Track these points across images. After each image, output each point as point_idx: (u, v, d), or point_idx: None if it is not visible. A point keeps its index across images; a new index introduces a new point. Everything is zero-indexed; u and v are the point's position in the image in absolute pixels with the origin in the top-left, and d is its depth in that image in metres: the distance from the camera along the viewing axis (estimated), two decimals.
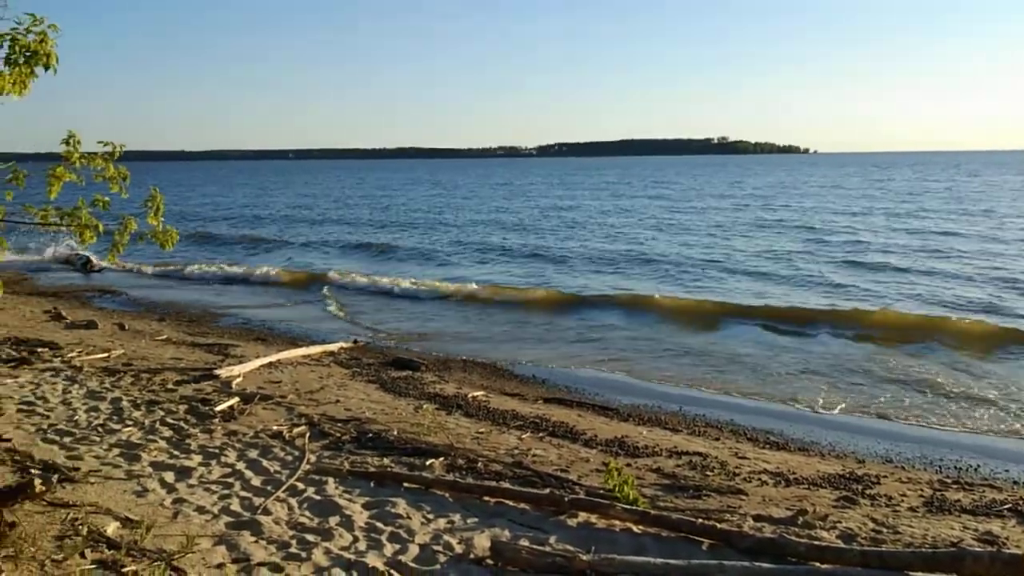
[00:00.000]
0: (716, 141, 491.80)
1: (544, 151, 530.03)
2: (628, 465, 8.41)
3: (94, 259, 27.31)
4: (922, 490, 8.28)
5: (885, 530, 6.89)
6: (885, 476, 8.75)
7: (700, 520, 6.65)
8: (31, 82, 6.01)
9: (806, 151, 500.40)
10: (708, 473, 8.44)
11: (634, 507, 6.88)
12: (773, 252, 30.57)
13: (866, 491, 8.09)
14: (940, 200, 59.13)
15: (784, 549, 6.12)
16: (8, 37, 5.85)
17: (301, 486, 7.51)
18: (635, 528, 6.65)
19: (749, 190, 77.69)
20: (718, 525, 6.54)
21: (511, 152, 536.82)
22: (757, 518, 7.03)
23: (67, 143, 6.17)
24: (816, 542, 6.25)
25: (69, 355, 12.70)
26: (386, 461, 8.29)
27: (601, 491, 7.38)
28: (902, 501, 7.84)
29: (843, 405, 12.13)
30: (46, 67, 5.96)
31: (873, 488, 8.21)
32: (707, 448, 9.48)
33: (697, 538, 6.42)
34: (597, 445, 9.30)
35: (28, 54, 5.84)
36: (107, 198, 6.07)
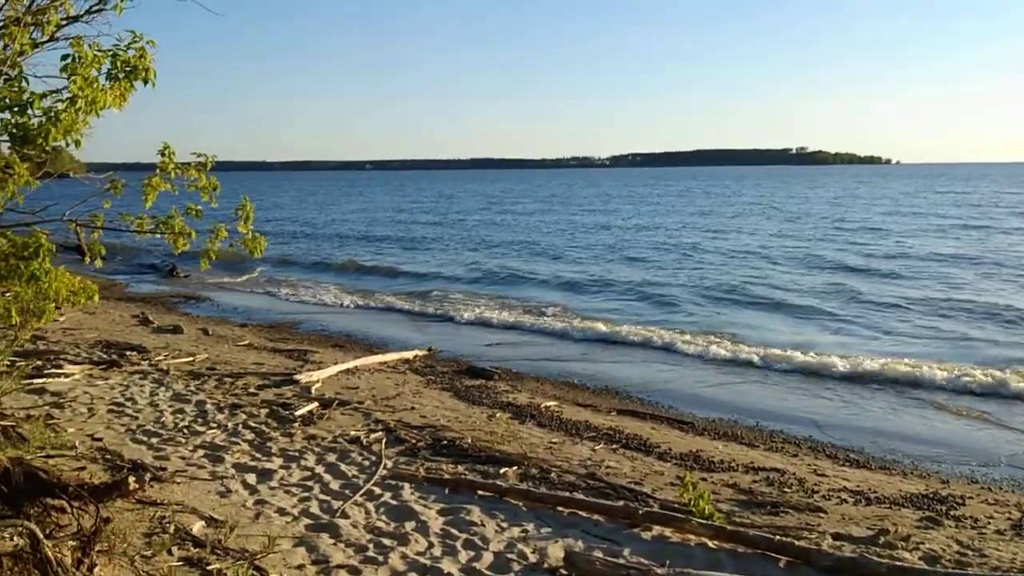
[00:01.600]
0: (794, 151, 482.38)
1: (617, 161, 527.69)
2: (703, 480, 8.33)
3: (178, 266, 28.26)
4: (1010, 512, 8.00)
5: (971, 553, 6.69)
6: (971, 497, 8.48)
7: (777, 537, 6.56)
8: (130, 95, 6.32)
9: (888, 162, 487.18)
10: (786, 490, 8.31)
11: (710, 522, 6.81)
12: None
13: (950, 512, 7.85)
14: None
15: (865, 569, 5.99)
16: (110, 53, 6.15)
17: (378, 491, 7.65)
18: (710, 543, 6.59)
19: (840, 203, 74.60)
20: (796, 542, 6.43)
21: (583, 162, 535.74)
22: (836, 536, 6.89)
23: (162, 154, 6.44)
24: (898, 563, 6.12)
25: (156, 358, 13.16)
26: (460, 468, 8.38)
27: (676, 505, 7.33)
28: (989, 523, 7.58)
29: (923, 424, 11.78)
30: (145, 81, 6.24)
31: (958, 509, 7.96)
32: (785, 464, 9.32)
33: (774, 555, 6.33)
34: (671, 458, 9.23)
35: (128, 69, 6.13)
36: (199, 207, 6.32)
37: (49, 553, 4.13)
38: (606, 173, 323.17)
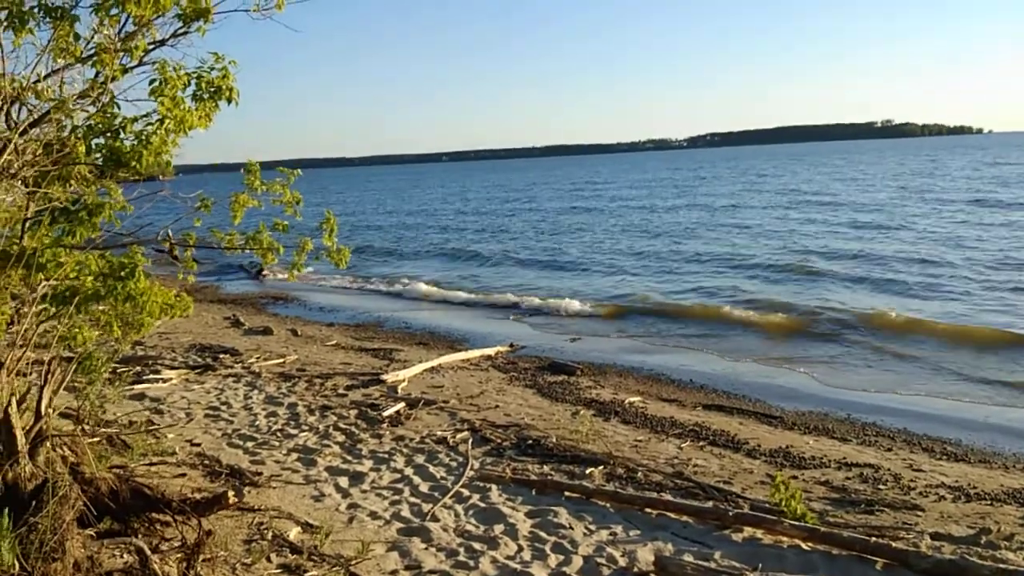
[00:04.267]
0: (880, 124, 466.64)
1: (694, 142, 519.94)
2: (794, 477, 8.18)
3: (266, 267, 29.04)
4: None
5: None
6: None
7: (873, 538, 6.39)
8: (215, 115, 6.51)
9: (979, 131, 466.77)
10: (880, 487, 8.09)
11: (802, 523, 6.69)
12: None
13: None
14: None
15: (966, 571, 5.79)
16: (195, 75, 6.34)
17: (466, 493, 7.74)
18: (804, 545, 6.48)
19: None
20: (893, 544, 6.27)
21: (660, 144, 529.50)
22: (935, 536, 6.69)
23: (248, 171, 6.63)
24: (1002, 564, 5.90)
25: (248, 361, 13.56)
26: (546, 468, 8.41)
27: (767, 504, 7.22)
28: None
29: None
30: (228, 100, 6.42)
31: None
32: (879, 460, 9.07)
33: (870, 557, 6.17)
34: (761, 455, 9.08)
35: (212, 90, 6.31)
36: (286, 222, 6.48)
37: (156, 568, 4.31)
38: (684, 154, 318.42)
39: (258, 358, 13.85)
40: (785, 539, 6.58)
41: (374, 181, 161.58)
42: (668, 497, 7.46)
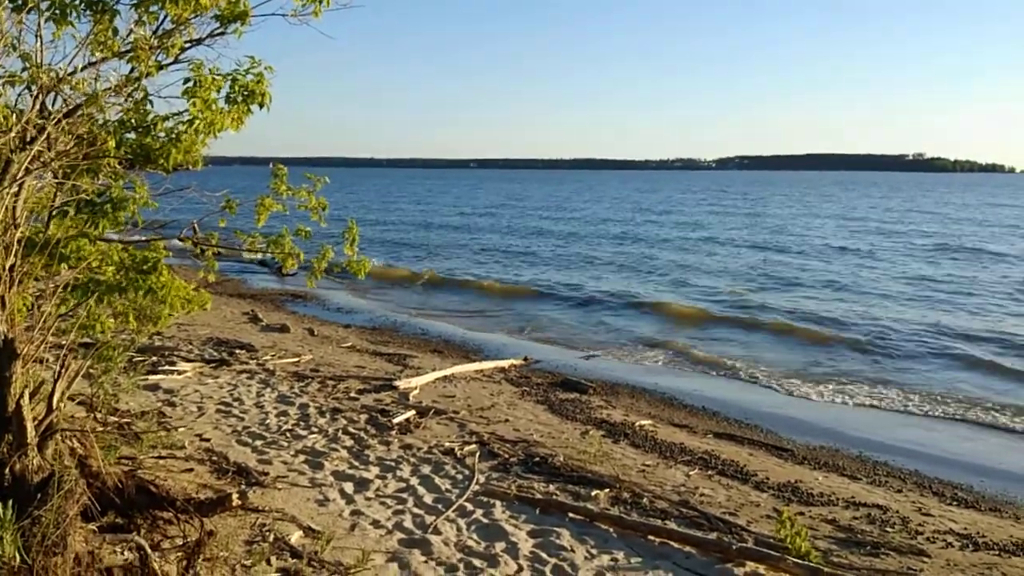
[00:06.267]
0: (911, 157, 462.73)
1: (723, 164, 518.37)
2: (801, 514, 8.11)
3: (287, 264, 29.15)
4: None
5: None
6: None
7: None
8: (247, 118, 6.56)
9: (1011, 170, 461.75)
10: (888, 529, 8.00)
11: (806, 561, 6.63)
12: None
13: None
14: None
15: None
16: (229, 77, 6.40)
17: (470, 507, 7.73)
18: None
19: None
20: None
21: (689, 164, 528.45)
22: None
23: (275, 176, 6.68)
24: None
25: (264, 358, 13.64)
26: (552, 488, 8.39)
27: (771, 540, 7.16)
28: None
29: None
30: (260, 105, 6.47)
31: None
32: (888, 500, 8.97)
33: None
34: (769, 488, 9.01)
35: (246, 93, 6.37)
36: (308, 228, 6.52)
37: (156, 566, 4.34)
38: (710, 175, 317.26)
39: (273, 356, 13.93)
40: None
41: (430, 183, 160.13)
42: (672, 526, 7.42)
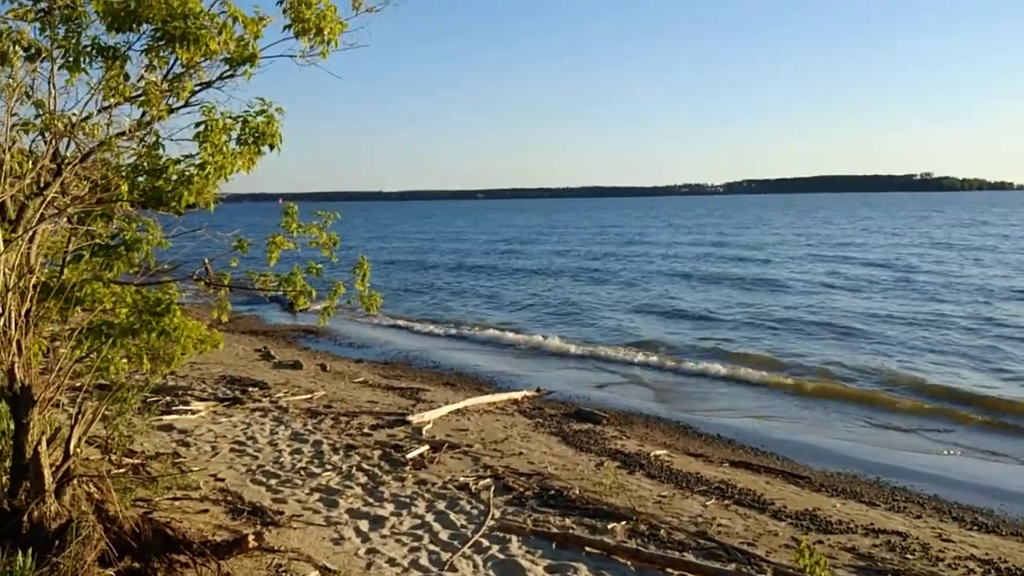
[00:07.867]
0: (919, 177, 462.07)
1: (731, 188, 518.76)
2: (819, 542, 8.02)
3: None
4: None
5: None
6: None
7: None
8: (258, 160, 6.63)
9: (1021, 187, 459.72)
10: (908, 556, 7.91)
11: None
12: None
13: None
14: None
15: None
16: (240, 119, 6.48)
17: (485, 543, 7.68)
18: None
19: None
20: None
21: (696, 189, 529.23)
22: None
23: (286, 213, 6.73)
24: None
25: (276, 395, 13.65)
26: (568, 521, 8.33)
27: (790, 570, 7.08)
28: None
29: None
30: (271, 147, 6.54)
31: None
32: (907, 527, 8.88)
33: None
34: (786, 517, 8.93)
35: (256, 135, 6.44)
36: (320, 265, 6.57)
37: None
38: (719, 200, 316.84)
39: (286, 392, 13.94)
40: None
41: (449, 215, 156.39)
42: (690, 558, 7.35)
